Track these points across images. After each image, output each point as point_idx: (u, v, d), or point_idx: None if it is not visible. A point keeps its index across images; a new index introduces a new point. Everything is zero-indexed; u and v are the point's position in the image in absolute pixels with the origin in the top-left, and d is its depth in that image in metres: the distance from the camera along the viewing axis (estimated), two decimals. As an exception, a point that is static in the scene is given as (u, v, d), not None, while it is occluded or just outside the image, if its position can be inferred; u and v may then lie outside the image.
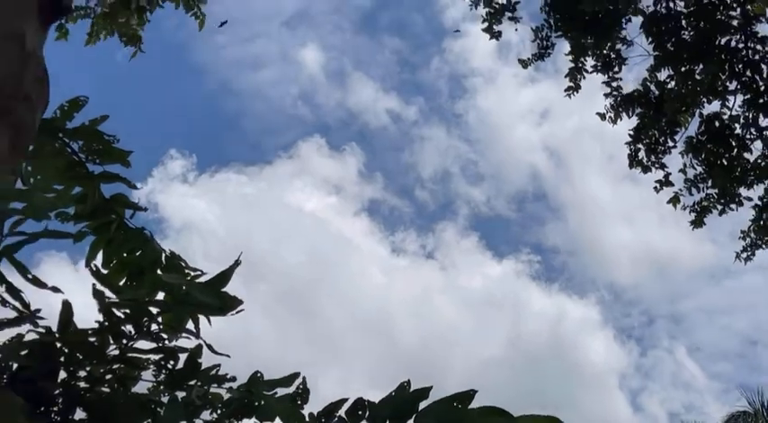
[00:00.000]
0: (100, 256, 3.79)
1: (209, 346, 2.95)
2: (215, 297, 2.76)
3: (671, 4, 11.27)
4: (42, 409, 3.02)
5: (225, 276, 2.80)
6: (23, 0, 3.22)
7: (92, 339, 3.12)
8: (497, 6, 11.94)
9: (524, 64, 12.11)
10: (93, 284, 3.07)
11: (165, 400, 3.03)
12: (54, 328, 3.13)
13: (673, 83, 11.41)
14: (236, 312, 2.85)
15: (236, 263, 2.84)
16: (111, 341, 3.14)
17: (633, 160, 11.65)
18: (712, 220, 12.04)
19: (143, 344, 3.10)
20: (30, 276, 3.06)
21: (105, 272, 3.52)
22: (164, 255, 3.72)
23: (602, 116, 11.64)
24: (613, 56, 11.74)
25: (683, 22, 11.25)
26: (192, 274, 3.35)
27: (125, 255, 3.90)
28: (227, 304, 2.78)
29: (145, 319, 2.94)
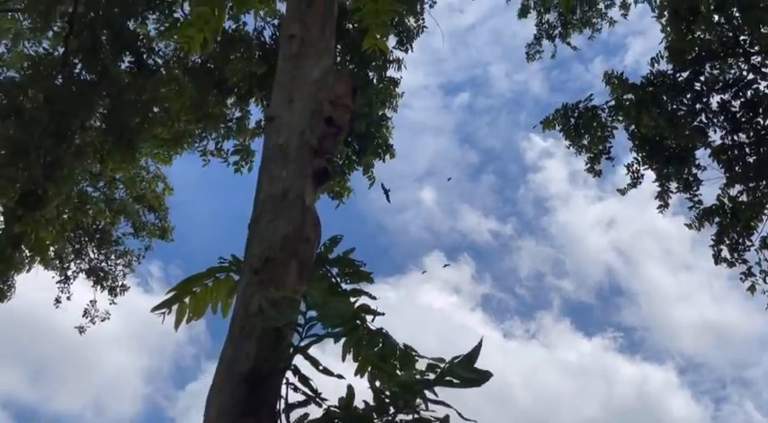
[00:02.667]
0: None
1: (459, 414, 2.91)
2: (472, 372, 2.74)
3: (735, 137, 10.96)
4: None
5: (473, 356, 2.76)
6: (304, 169, 3.45)
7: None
8: (596, 152, 11.92)
9: (622, 192, 11.93)
10: (370, 371, 3.10)
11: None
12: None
13: (744, 196, 10.97)
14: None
15: (479, 344, 2.80)
16: (375, 416, 3.15)
17: (717, 258, 11.10)
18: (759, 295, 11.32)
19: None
20: (321, 367, 3.14)
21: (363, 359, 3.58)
22: (398, 348, 3.75)
23: (689, 226, 11.24)
24: (691, 179, 11.40)
25: (747, 149, 10.89)
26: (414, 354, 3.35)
27: (368, 350, 3.96)
28: (482, 377, 2.74)
29: (408, 396, 2.93)
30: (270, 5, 11.07)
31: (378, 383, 3.24)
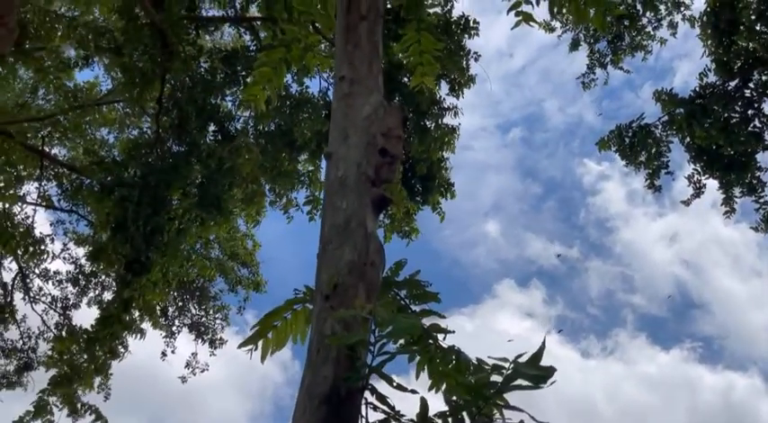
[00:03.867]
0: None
1: (532, 417, 2.73)
2: (538, 369, 2.58)
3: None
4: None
5: (538, 355, 2.61)
6: (364, 199, 3.40)
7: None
8: (655, 167, 11.49)
9: (686, 203, 11.37)
10: (445, 387, 2.98)
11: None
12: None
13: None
14: (550, 384, 2.63)
15: (543, 343, 2.65)
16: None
17: (789, 259, 10.39)
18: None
19: None
20: (394, 384, 3.03)
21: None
22: (471, 363, 3.59)
23: (755, 228, 10.58)
24: (755, 181, 10.76)
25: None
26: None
27: (442, 366, 3.81)
28: (547, 373, 2.58)
29: (480, 402, 2.78)
30: (330, 64, 11.32)
31: (454, 398, 3.12)
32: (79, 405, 11.10)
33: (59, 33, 12.83)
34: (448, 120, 11.90)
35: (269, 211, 13.30)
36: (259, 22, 12.76)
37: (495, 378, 2.83)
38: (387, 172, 3.51)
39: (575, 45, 14.51)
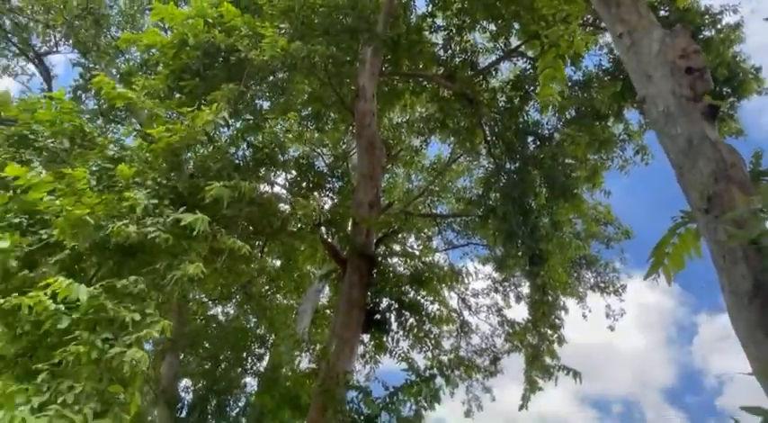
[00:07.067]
0: None
1: None
2: None
3: None
4: None
5: None
6: (693, 116, 2.94)
7: None
8: None
9: None
10: None
11: None
12: None
13: None
14: None
15: None
16: None
17: None
18: None
19: None
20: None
21: None
22: None
23: None
24: None
25: None
26: None
27: None
28: None
29: None
30: (595, 39, 10.43)
31: None
32: (550, 370, 11.55)
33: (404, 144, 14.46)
34: (727, 19, 9.90)
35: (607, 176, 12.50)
36: (523, 46, 12.47)
37: None
38: (701, 84, 3.01)
39: None
